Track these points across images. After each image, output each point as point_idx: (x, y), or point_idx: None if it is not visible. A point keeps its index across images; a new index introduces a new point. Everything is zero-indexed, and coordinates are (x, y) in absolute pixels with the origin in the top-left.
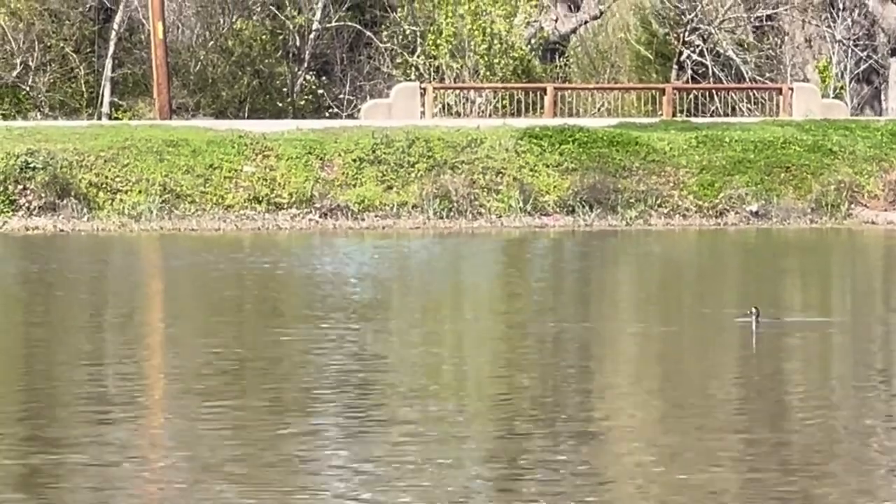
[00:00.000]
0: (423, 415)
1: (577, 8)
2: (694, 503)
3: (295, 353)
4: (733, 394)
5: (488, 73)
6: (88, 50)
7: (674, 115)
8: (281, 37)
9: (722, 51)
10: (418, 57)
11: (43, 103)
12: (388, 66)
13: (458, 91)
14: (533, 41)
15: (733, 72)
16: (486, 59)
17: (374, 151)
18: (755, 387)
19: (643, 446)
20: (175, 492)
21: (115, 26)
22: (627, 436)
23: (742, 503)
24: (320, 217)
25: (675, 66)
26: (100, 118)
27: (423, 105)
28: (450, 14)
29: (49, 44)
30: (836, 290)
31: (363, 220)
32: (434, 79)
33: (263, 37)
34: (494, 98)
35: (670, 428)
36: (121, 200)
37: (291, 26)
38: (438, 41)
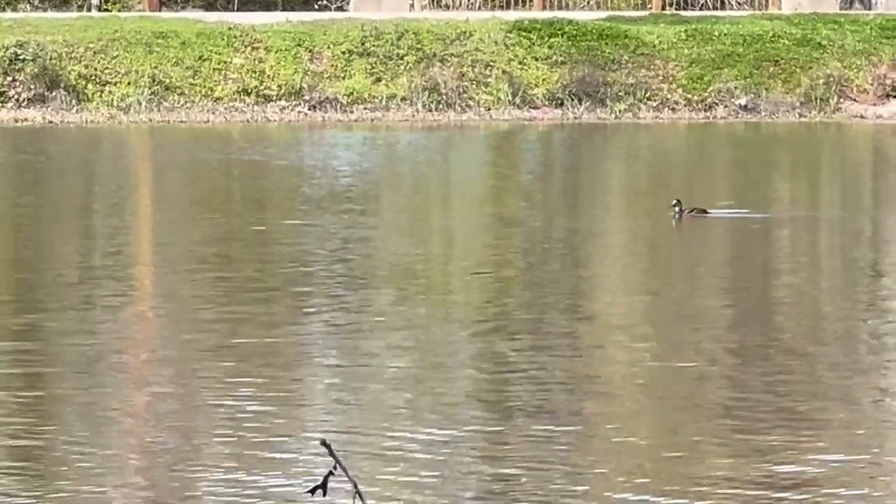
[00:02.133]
0: (403, 314)
1: None
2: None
3: (281, 244)
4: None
5: None
6: None
7: (663, 8)
8: None
9: None
10: None
11: None
12: None
13: None
14: None
15: None
16: None
17: (363, 44)
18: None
19: (627, 337)
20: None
21: None
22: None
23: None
24: (309, 109)
25: None
26: (89, 10)
27: None
28: None
29: None
30: (807, 184)
31: (352, 112)
32: None
33: None
34: None
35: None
36: (110, 92)
37: None
38: None
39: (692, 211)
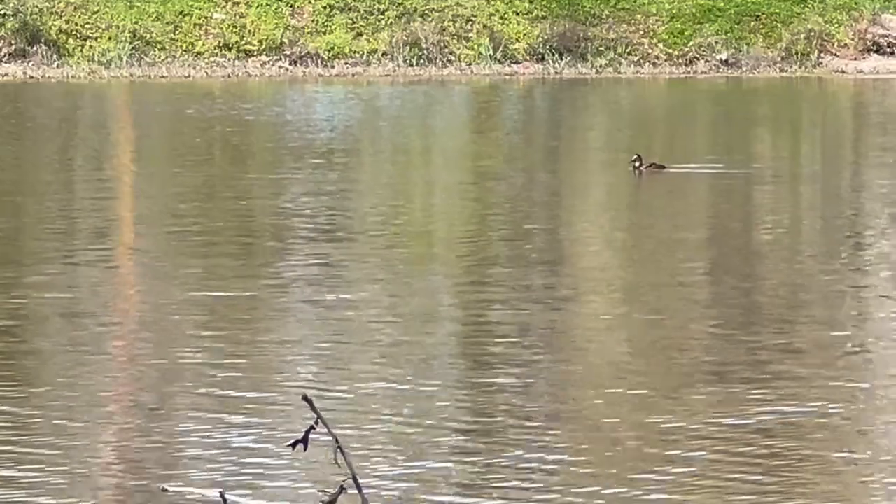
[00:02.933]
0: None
1: None
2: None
3: (261, 197)
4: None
5: None
6: None
7: None
8: None
9: None
10: None
11: None
12: None
13: None
14: None
15: None
16: None
17: None
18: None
19: (601, 288)
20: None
21: None
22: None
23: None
24: (290, 64)
25: None
26: None
27: None
28: None
29: None
30: (780, 138)
31: (333, 67)
32: None
33: None
34: None
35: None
36: (90, 47)
37: None
38: None
39: (650, 166)
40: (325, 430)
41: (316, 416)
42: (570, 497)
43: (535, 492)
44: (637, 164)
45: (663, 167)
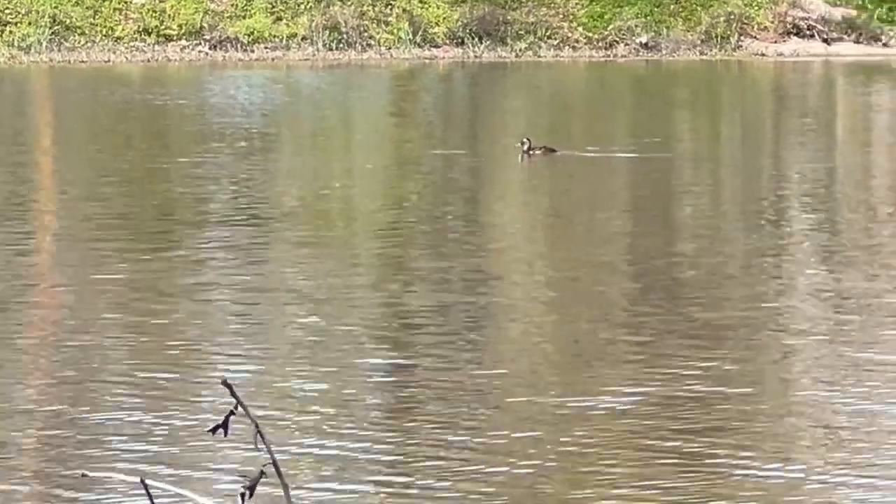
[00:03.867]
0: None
1: None
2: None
3: (181, 182)
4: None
5: None
6: None
7: None
8: None
9: None
10: None
11: None
12: None
13: None
14: None
15: None
16: None
17: None
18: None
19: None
20: None
21: None
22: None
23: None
24: (210, 49)
25: None
26: None
27: None
28: None
29: None
30: (698, 121)
31: (253, 51)
32: None
33: None
34: None
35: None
36: (10, 32)
37: None
38: None
39: (540, 149)
40: (246, 415)
41: (236, 400)
42: (485, 475)
43: (453, 471)
44: (525, 147)
45: (554, 151)
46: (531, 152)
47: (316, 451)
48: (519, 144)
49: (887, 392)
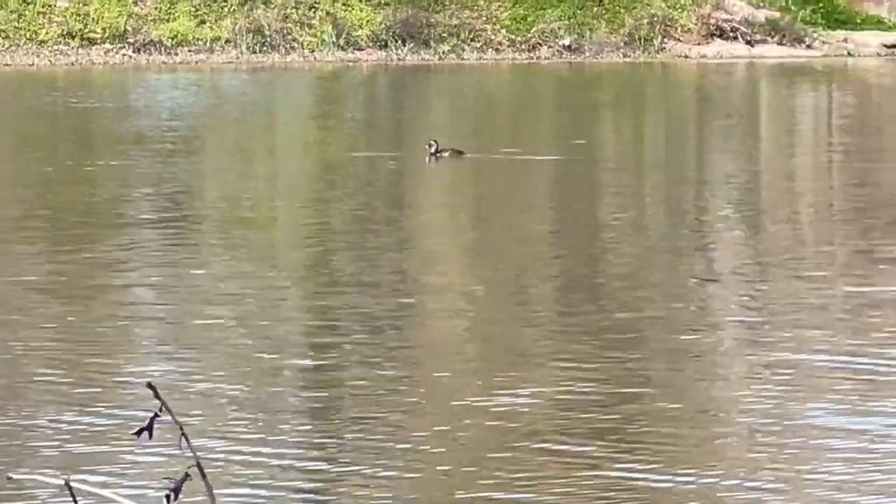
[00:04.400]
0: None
1: None
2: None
3: (105, 185)
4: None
5: None
6: None
7: None
8: None
9: None
10: None
11: None
12: None
13: None
14: None
15: None
16: None
17: None
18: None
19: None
20: None
21: None
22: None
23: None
24: (134, 52)
25: None
26: None
27: None
28: None
29: None
30: (621, 123)
31: (176, 55)
32: None
33: None
34: None
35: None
36: None
37: None
38: None
39: (447, 151)
40: (170, 418)
41: (160, 403)
42: (400, 474)
43: (366, 473)
44: (433, 150)
45: (462, 153)
46: (439, 154)
47: (238, 453)
48: (427, 146)
49: (800, 394)
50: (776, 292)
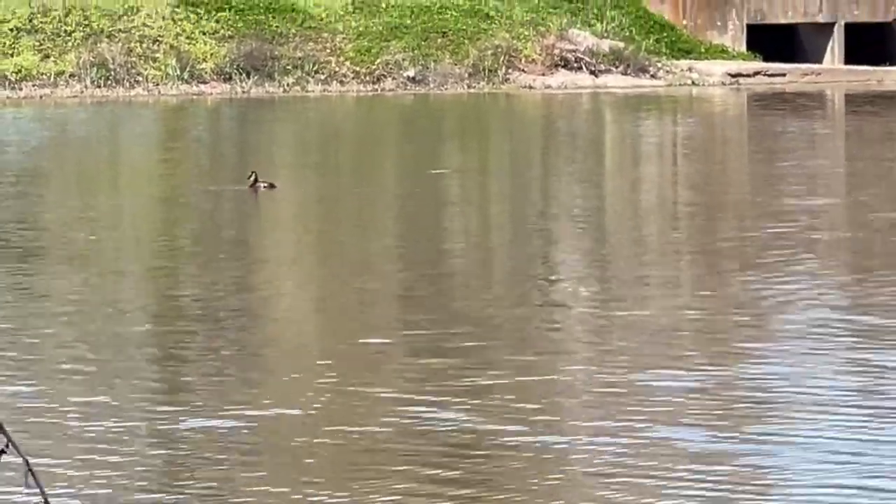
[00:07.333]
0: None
1: None
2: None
3: None
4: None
5: None
6: None
7: None
8: None
9: None
10: None
11: None
12: None
13: None
14: None
15: None
16: None
17: (30, 21)
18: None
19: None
20: None
21: None
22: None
23: None
24: None
25: None
26: None
27: None
28: None
29: None
30: (464, 153)
31: (21, 89)
32: None
33: None
34: None
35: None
36: None
37: None
38: None
39: (262, 184)
40: (16, 453)
41: (6, 439)
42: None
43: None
44: (252, 179)
45: (273, 186)
46: (256, 186)
47: (88, 486)
48: (247, 178)
49: (638, 414)
50: (618, 311)
